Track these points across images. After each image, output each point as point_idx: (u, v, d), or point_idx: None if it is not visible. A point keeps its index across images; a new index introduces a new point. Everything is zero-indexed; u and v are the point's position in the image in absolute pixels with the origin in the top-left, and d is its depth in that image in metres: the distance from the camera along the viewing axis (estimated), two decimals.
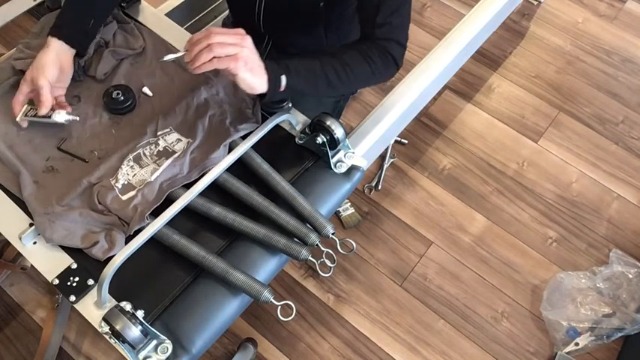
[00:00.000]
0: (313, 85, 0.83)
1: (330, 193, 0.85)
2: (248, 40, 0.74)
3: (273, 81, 0.77)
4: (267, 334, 1.44)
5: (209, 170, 0.78)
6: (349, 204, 1.62)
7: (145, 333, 0.66)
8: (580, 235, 1.61)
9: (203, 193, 0.78)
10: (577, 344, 1.40)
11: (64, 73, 0.88)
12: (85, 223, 0.79)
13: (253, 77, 0.75)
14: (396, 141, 1.75)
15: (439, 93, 1.87)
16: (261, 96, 0.80)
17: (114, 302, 0.73)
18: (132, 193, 0.82)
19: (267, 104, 0.85)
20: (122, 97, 0.92)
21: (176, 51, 0.81)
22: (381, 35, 0.86)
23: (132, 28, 1.02)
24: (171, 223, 0.74)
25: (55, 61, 0.86)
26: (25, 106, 0.89)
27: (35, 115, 0.87)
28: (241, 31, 0.75)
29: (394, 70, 0.90)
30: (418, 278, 1.53)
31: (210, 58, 0.71)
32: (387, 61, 0.87)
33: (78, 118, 0.91)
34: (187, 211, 0.77)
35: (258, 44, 1.07)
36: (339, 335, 1.44)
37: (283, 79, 0.78)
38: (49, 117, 0.88)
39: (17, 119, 0.88)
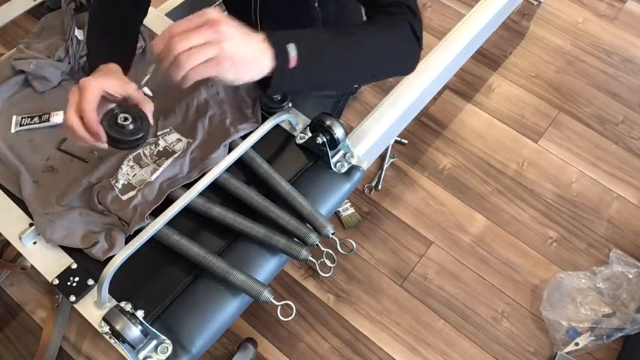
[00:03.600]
0: (329, 56, 0.67)
1: (330, 193, 0.85)
2: (223, 27, 0.55)
3: (280, 57, 0.60)
4: (267, 334, 1.44)
5: (209, 170, 0.78)
6: (349, 204, 1.61)
7: (145, 333, 0.66)
8: (580, 235, 1.61)
9: (203, 193, 0.77)
10: (577, 344, 1.40)
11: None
12: (85, 223, 0.79)
13: (247, 72, 0.58)
14: (396, 141, 1.75)
15: (439, 93, 1.87)
16: (266, 85, 0.62)
17: (114, 302, 0.73)
18: (132, 193, 0.82)
19: (274, 93, 0.66)
20: (132, 126, 0.64)
21: (147, 72, 0.65)
22: (386, 2, 0.75)
23: None
24: (171, 223, 0.74)
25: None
26: (16, 116, 0.89)
27: (31, 122, 0.88)
28: (210, 14, 0.56)
29: (413, 40, 0.74)
30: (418, 278, 1.53)
31: (185, 74, 0.54)
32: (401, 24, 0.73)
33: None
34: (187, 211, 0.77)
35: None
36: (339, 335, 1.44)
37: (291, 49, 0.61)
38: (47, 120, 0.89)
39: (12, 131, 0.88)
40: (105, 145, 0.65)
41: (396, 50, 0.75)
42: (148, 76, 0.64)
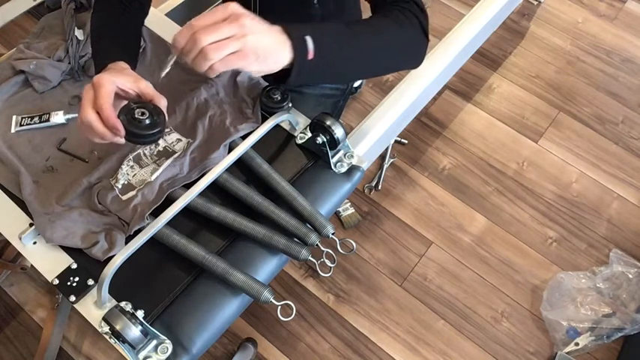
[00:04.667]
0: (345, 47, 0.69)
1: (330, 193, 0.85)
2: (246, 21, 0.59)
3: (298, 48, 0.63)
4: (267, 334, 1.44)
5: (209, 170, 0.78)
6: (349, 204, 1.61)
7: (145, 333, 0.66)
8: (580, 235, 1.61)
9: (203, 193, 0.77)
10: (577, 344, 1.40)
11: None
12: (85, 223, 0.79)
13: (269, 63, 0.62)
14: (396, 141, 1.75)
15: (439, 93, 1.87)
16: (284, 78, 0.65)
17: (114, 302, 0.73)
18: (132, 193, 0.81)
19: (294, 85, 0.70)
20: (148, 121, 0.65)
21: (165, 64, 0.66)
22: None
23: None
24: (171, 223, 0.74)
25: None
26: (16, 116, 0.89)
27: (31, 122, 0.88)
28: (232, 9, 0.59)
29: (422, 34, 0.77)
30: (418, 278, 1.53)
31: (210, 65, 0.58)
32: (410, 18, 0.75)
33: (77, 115, 0.91)
34: (187, 211, 0.77)
35: None
36: (339, 335, 1.44)
37: (309, 40, 0.64)
38: (47, 120, 0.89)
39: (12, 131, 0.88)
40: (122, 141, 0.66)
41: (407, 44, 0.77)
42: (167, 69, 0.64)
